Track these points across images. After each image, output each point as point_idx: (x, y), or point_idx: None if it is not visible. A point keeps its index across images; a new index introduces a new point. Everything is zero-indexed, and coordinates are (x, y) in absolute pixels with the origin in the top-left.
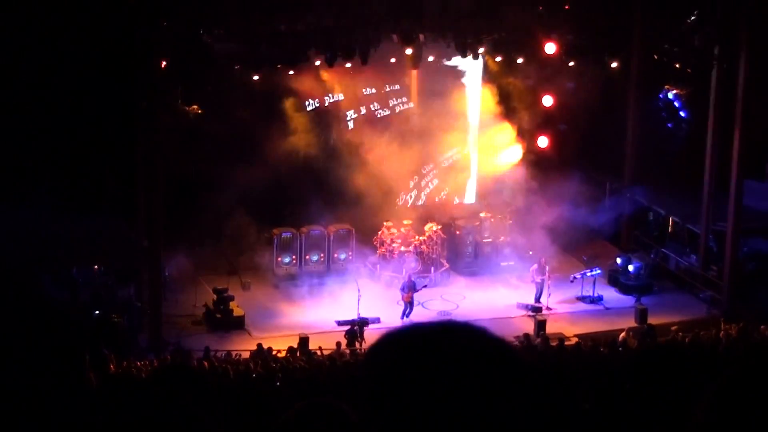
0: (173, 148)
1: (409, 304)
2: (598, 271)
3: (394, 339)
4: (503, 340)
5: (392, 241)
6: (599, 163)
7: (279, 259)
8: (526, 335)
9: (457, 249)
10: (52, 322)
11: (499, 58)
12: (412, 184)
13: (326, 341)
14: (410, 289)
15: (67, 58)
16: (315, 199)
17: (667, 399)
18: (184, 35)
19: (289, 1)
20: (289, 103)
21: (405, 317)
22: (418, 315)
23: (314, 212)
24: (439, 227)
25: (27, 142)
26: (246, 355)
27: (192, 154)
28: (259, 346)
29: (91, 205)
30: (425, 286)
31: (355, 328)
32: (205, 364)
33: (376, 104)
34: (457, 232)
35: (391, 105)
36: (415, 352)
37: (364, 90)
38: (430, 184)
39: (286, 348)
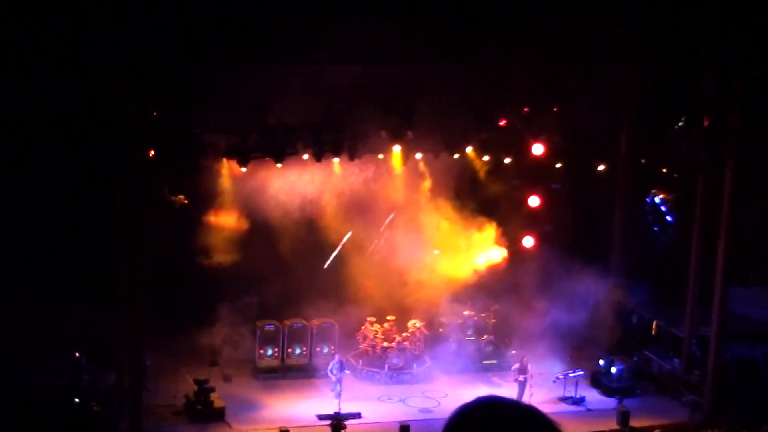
0: (157, 237)
1: (339, 383)
2: (581, 372)
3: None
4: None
5: (375, 337)
6: (584, 265)
7: (261, 351)
8: None
9: (440, 346)
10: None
11: (486, 158)
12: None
13: None
14: (340, 370)
15: (51, 145)
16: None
17: None
18: (173, 125)
19: (278, 94)
20: None
21: (338, 396)
22: (401, 411)
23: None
24: (423, 324)
25: (8, 230)
26: None
27: (176, 242)
28: None
29: (73, 293)
30: (350, 371)
31: (337, 422)
32: None
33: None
34: (441, 330)
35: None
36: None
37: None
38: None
39: None
